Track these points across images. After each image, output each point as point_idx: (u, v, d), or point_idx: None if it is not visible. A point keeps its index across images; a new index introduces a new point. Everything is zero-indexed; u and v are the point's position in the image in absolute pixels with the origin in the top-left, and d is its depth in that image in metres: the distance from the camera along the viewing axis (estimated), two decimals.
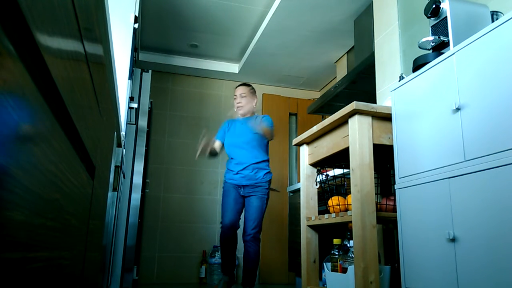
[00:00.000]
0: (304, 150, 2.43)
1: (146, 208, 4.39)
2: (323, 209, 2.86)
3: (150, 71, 3.76)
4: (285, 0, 3.46)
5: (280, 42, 4.21)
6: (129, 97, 2.72)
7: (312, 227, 2.31)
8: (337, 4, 3.53)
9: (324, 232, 2.49)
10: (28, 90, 0.36)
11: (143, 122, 3.58)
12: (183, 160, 4.76)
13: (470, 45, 1.41)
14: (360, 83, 3.42)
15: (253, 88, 3.31)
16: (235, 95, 3.24)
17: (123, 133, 2.05)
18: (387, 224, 2.35)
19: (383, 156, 2.10)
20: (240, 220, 3.10)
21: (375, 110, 1.89)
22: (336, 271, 2.04)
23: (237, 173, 3.09)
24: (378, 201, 2.19)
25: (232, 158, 3.16)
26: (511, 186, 1.18)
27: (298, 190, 3.48)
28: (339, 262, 2.04)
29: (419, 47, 1.79)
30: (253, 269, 3.03)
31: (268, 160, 3.16)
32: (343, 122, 2.01)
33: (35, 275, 0.44)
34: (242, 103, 3.18)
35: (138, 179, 3.46)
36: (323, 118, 4.77)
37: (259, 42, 4.20)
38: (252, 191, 3.06)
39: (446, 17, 1.69)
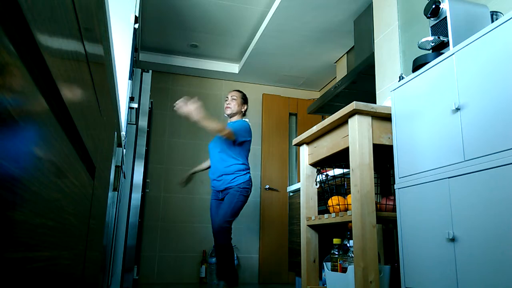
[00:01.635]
0: (304, 150, 2.43)
1: (146, 208, 4.39)
2: (323, 209, 2.86)
3: (150, 71, 3.77)
4: (285, 0, 3.47)
5: (280, 42, 4.21)
6: (130, 97, 2.72)
7: (312, 227, 2.32)
8: (337, 4, 3.53)
9: (324, 232, 2.49)
10: (29, 90, 0.37)
11: (143, 122, 3.59)
12: (183, 160, 4.76)
13: (470, 45, 1.41)
14: (360, 83, 3.42)
15: (245, 96, 3.44)
16: (227, 97, 3.41)
17: (123, 133, 2.06)
18: (387, 224, 2.35)
19: (383, 156, 2.10)
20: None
21: (375, 110, 1.89)
22: (336, 270, 2.04)
23: (214, 180, 3.27)
24: (378, 201, 2.19)
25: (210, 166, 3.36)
26: (511, 186, 1.18)
27: (298, 190, 3.48)
28: (339, 262, 2.04)
29: (419, 47, 1.79)
30: (220, 262, 3.08)
31: (240, 163, 3.19)
32: (343, 122, 2.01)
33: (36, 275, 0.44)
34: (231, 105, 3.36)
35: (138, 179, 3.46)
36: (323, 118, 4.77)
37: (259, 42, 4.20)
38: (226, 192, 3.17)
39: (445, 17, 1.69)
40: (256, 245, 4.73)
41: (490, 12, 1.74)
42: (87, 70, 0.67)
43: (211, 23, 4.07)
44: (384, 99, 2.63)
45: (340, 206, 2.14)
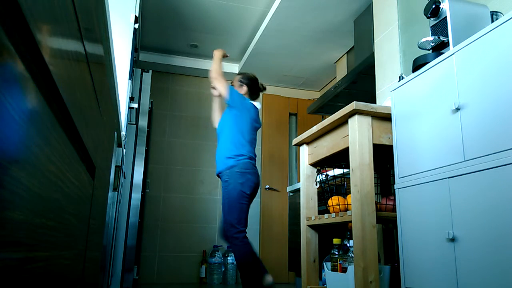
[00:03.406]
0: (304, 150, 2.43)
1: (146, 208, 4.39)
2: (323, 209, 2.86)
3: (150, 71, 3.77)
4: (285, 0, 3.46)
5: (280, 42, 4.21)
6: (130, 97, 2.72)
7: (312, 227, 2.32)
8: (337, 4, 3.53)
9: (324, 232, 2.49)
10: (29, 90, 0.36)
11: (143, 122, 3.59)
12: (183, 160, 4.76)
13: (470, 45, 1.41)
14: (360, 83, 3.42)
15: (243, 77, 3.03)
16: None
17: (123, 133, 2.06)
18: (387, 224, 2.35)
19: (383, 156, 2.10)
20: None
21: (375, 110, 1.89)
22: (336, 270, 2.04)
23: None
24: (378, 201, 2.19)
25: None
26: (511, 186, 1.18)
27: (298, 190, 3.48)
28: (339, 262, 2.04)
29: (419, 47, 1.79)
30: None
31: None
32: (343, 122, 2.01)
33: (36, 275, 0.44)
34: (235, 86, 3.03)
35: (138, 179, 3.46)
36: (323, 118, 4.77)
37: (259, 42, 4.20)
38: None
39: (445, 17, 1.69)
40: (256, 245, 4.73)
41: (490, 12, 1.74)
42: (87, 70, 0.67)
43: (211, 23, 4.06)
44: (384, 99, 2.63)
45: (340, 206, 2.14)
